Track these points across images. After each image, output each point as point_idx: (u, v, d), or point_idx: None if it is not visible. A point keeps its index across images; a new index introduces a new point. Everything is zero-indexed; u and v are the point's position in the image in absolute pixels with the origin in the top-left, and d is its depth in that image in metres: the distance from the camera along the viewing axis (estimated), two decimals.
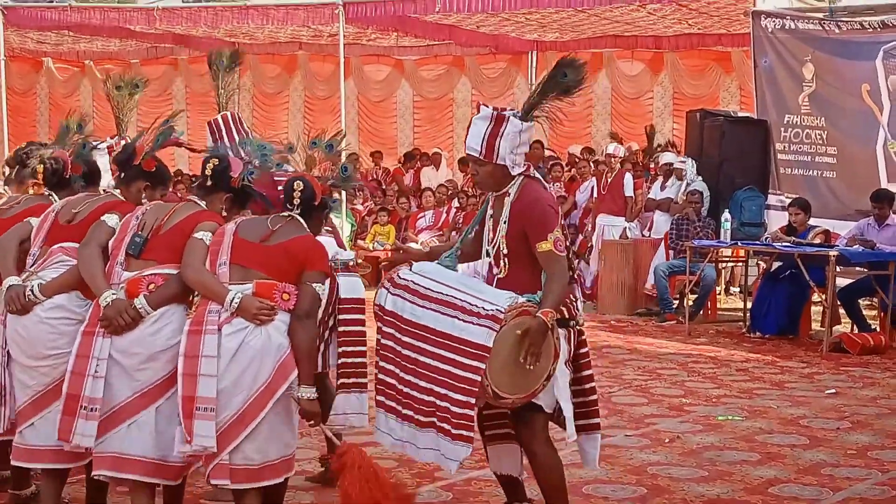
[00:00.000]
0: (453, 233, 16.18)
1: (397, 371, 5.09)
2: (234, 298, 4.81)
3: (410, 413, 5.05)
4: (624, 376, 9.65)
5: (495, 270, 5.19)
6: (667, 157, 14.98)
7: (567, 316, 5.09)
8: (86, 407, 4.90)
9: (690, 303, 12.72)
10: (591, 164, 16.24)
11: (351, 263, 6.08)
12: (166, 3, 18.19)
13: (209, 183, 5.20)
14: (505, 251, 5.12)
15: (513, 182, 5.12)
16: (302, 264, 4.93)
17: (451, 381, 4.90)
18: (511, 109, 5.17)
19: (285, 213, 5.10)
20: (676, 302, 13.11)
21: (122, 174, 5.52)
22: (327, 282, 5.07)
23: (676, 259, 13.19)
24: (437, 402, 4.95)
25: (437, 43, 19.15)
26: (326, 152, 5.41)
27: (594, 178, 15.41)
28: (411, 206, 16.92)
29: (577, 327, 5.20)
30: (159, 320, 4.93)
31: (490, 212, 5.25)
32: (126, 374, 4.92)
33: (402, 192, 18.01)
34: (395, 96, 20.87)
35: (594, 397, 5.37)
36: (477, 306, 4.91)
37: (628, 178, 14.87)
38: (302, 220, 5.08)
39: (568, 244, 5.16)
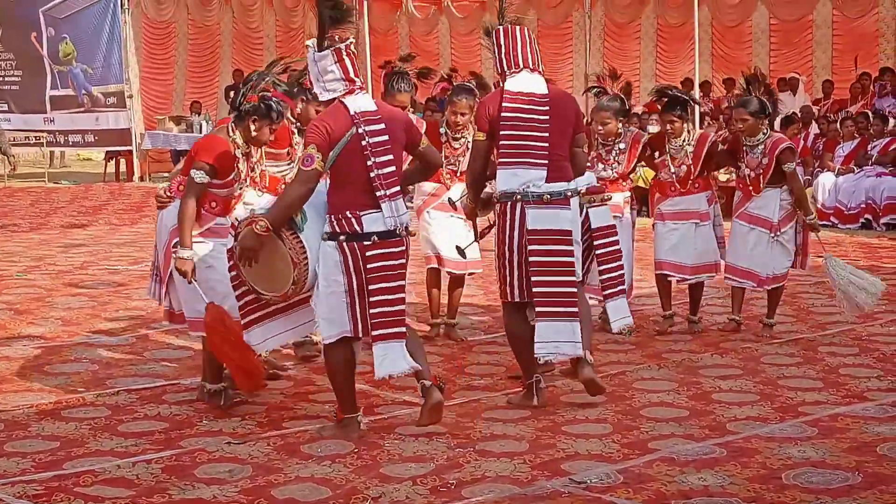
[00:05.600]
0: (816, 162, 15.59)
1: None
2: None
3: None
4: None
5: None
6: None
7: (338, 230, 5.58)
8: None
9: None
10: None
11: (602, 198, 6.80)
12: None
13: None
14: None
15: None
16: (192, 158, 6.11)
17: None
18: (346, 42, 5.65)
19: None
20: None
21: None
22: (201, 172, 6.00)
23: None
24: None
25: None
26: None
27: None
28: None
29: (365, 243, 5.58)
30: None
31: None
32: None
33: None
34: (750, 20, 20.14)
35: (378, 311, 5.63)
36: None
37: None
38: (232, 125, 6.19)
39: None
